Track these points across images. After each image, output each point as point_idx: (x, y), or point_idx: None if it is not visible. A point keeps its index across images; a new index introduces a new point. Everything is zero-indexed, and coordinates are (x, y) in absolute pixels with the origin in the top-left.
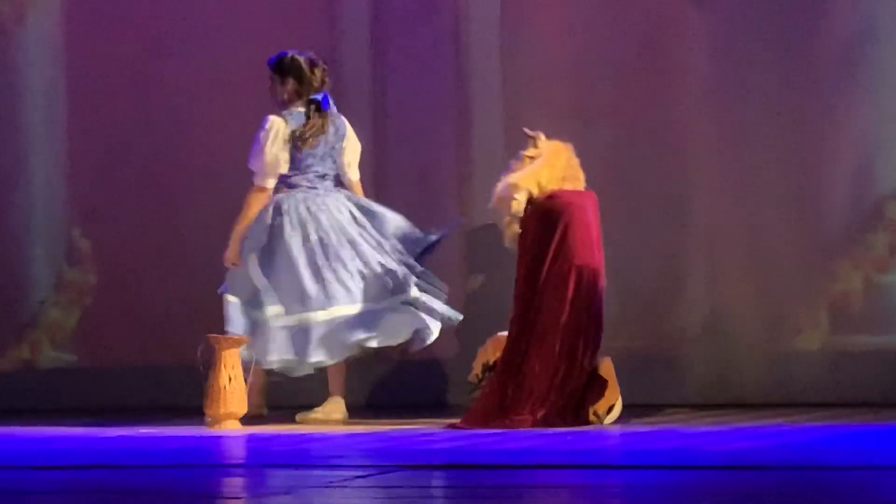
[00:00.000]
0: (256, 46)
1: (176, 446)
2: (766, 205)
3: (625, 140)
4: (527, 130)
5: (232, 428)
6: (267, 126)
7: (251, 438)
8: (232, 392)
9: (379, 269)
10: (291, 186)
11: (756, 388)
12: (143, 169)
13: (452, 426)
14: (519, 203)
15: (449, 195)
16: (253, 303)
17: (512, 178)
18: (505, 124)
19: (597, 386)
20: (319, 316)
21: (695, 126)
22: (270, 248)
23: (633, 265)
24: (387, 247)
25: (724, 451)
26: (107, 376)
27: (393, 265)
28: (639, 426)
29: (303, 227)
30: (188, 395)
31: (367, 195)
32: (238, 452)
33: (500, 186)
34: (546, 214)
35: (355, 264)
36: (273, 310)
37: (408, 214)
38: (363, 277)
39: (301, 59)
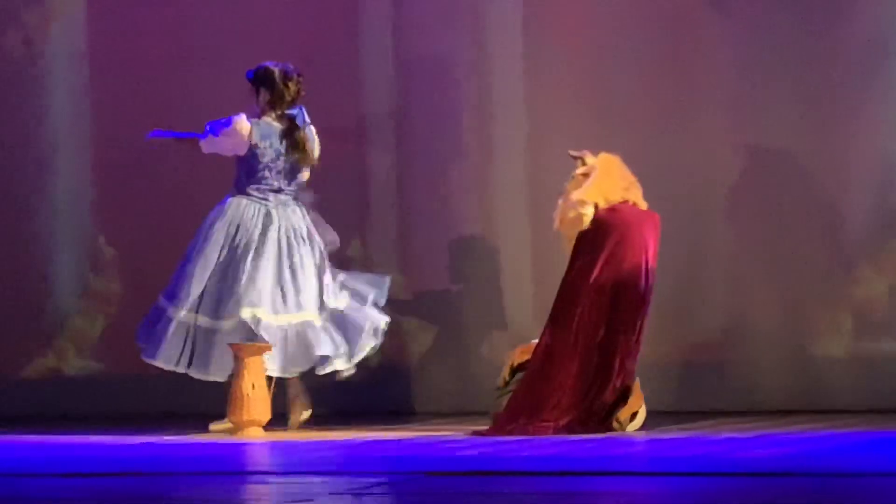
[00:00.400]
0: (279, 57)
1: (200, 453)
2: (789, 210)
3: (647, 146)
4: (571, 152)
5: (255, 435)
6: (235, 120)
7: (274, 446)
8: (255, 399)
9: (300, 284)
10: (243, 193)
11: (780, 394)
12: (167, 178)
13: (477, 433)
14: (588, 217)
15: (470, 202)
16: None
17: (575, 194)
18: (527, 131)
19: (620, 394)
20: (184, 315)
21: (716, 132)
22: (199, 244)
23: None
24: (314, 268)
25: (749, 458)
26: (132, 383)
27: (313, 284)
28: (663, 433)
29: (234, 229)
30: (212, 402)
31: (389, 204)
32: (261, 460)
33: (563, 206)
34: (601, 227)
35: (266, 273)
36: (170, 307)
37: (428, 221)
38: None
39: (275, 71)
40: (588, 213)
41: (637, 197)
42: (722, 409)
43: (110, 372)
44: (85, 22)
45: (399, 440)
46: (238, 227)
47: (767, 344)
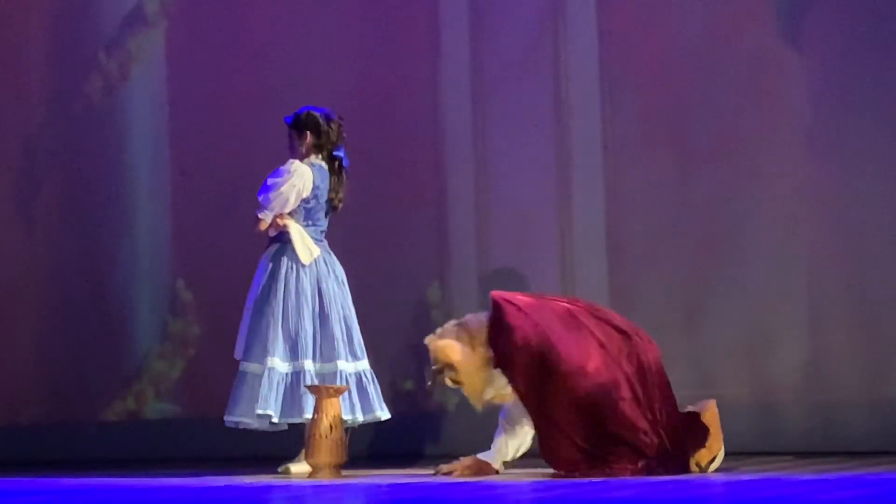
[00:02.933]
0: (360, 99)
1: (280, 495)
2: (869, 247)
3: (725, 185)
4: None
5: (332, 477)
6: (291, 168)
7: (352, 488)
8: (332, 441)
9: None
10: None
11: (860, 434)
12: (246, 221)
13: (557, 475)
14: (497, 396)
15: (549, 246)
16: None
17: (476, 402)
18: (605, 174)
19: (700, 434)
20: (279, 365)
21: (795, 170)
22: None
23: (732, 310)
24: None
25: (829, 500)
26: (210, 427)
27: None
28: (742, 474)
29: (298, 277)
30: (291, 444)
31: (469, 250)
32: (342, 502)
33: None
34: (533, 361)
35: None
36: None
37: (507, 267)
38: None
39: (317, 114)
40: (488, 396)
41: (471, 332)
42: (801, 450)
43: (189, 415)
44: (164, 65)
45: (478, 482)
46: (318, 277)
47: (846, 384)
